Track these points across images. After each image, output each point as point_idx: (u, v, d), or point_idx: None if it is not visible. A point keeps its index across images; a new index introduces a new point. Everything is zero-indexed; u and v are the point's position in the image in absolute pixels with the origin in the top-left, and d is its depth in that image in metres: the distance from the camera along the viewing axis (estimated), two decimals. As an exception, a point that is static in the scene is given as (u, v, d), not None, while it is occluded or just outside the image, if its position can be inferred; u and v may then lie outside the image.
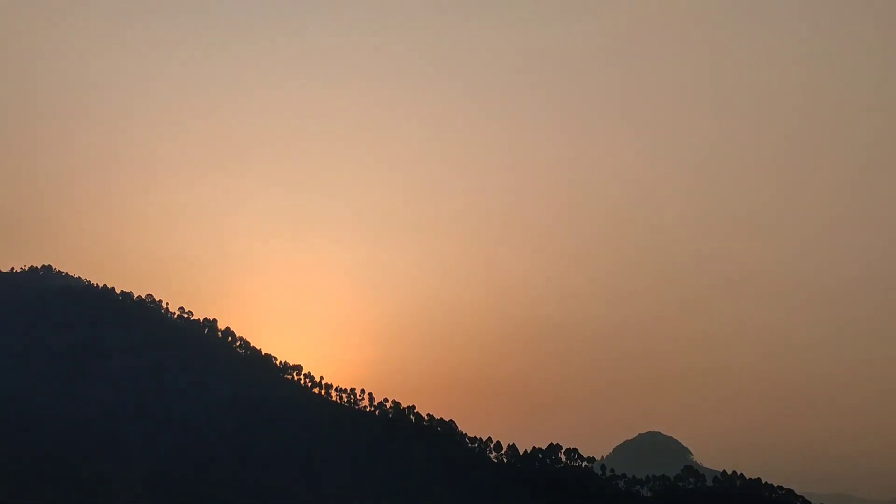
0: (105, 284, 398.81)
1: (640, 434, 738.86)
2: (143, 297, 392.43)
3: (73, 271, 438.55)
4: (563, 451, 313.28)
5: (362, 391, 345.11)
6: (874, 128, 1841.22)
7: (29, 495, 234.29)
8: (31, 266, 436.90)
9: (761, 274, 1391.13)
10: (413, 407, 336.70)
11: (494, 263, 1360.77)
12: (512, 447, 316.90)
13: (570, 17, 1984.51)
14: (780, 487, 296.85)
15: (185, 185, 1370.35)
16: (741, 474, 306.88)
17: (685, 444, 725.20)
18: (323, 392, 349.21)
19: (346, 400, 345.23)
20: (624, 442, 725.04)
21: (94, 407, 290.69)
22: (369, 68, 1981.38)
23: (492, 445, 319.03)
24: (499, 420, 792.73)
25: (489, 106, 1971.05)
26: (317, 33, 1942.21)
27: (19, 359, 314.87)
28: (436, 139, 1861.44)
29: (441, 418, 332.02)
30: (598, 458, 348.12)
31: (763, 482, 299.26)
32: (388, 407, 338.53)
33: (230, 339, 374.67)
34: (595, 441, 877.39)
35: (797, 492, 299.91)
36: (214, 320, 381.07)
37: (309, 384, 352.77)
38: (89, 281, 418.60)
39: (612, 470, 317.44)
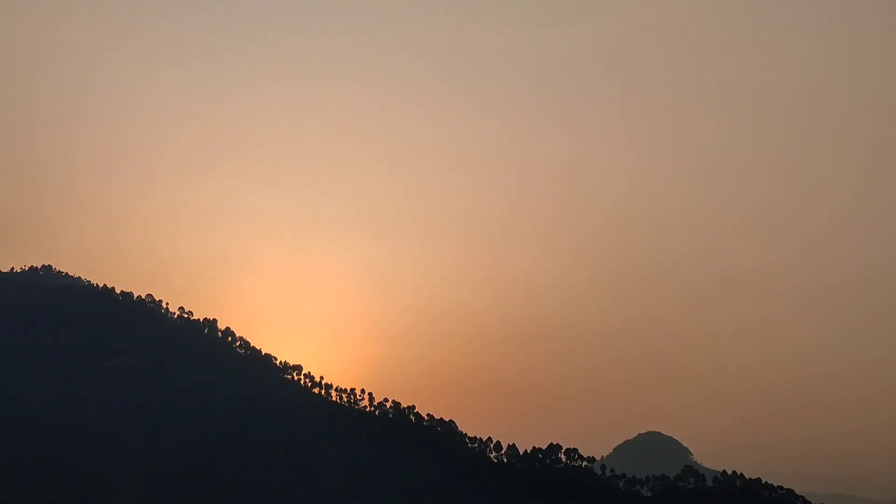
0: (105, 284, 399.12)
1: (640, 434, 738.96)
2: (143, 297, 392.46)
3: (73, 271, 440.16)
4: (563, 451, 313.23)
5: (362, 391, 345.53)
6: (874, 127, 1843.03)
7: (29, 495, 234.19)
8: (31, 266, 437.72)
9: (761, 274, 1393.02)
10: (413, 407, 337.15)
11: (494, 263, 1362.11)
12: (512, 447, 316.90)
13: (570, 18, 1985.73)
14: (780, 487, 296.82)
15: (186, 185, 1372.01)
16: (741, 474, 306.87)
17: (685, 444, 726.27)
18: (323, 392, 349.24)
19: (346, 400, 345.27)
20: (624, 442, 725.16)
21: (95, 407, 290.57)
22: (369, 69, 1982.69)
23: (492, 445, 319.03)
24: (499, 420, 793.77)
25: (489, 107, 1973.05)
26: (317, 34, 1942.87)
27: (19, 359, 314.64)
28: (436, 139, 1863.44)
29: (441, 418, 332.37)
30: (598, 458, 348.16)
31: (763, 482, 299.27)
32: (388, 407, 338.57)
33: (230, 339, 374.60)
34: (595, 441, 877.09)
35: (797, 492, 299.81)
36: (214, 320, 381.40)
37: (309, 384, 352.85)
38: (89, 281, 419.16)
39: (612, 470, 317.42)
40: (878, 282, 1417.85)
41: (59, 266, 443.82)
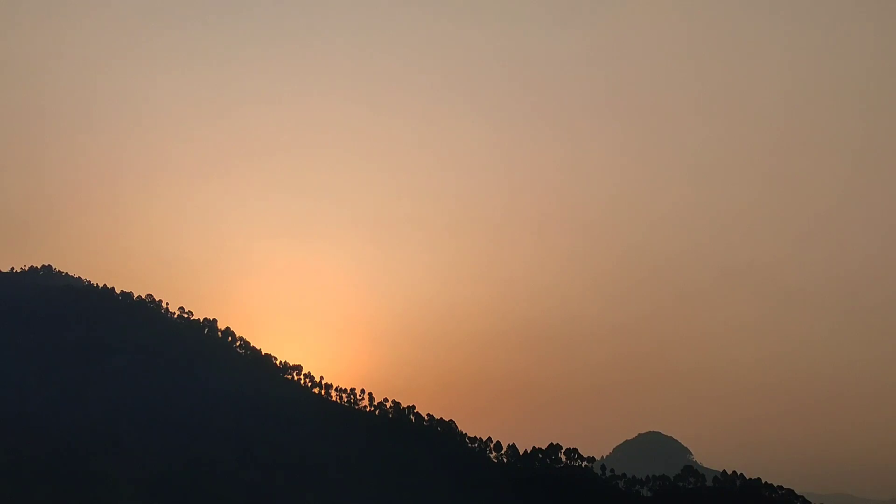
0: (105, 284, 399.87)
1: (640, 434, 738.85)
2: (143, 297, 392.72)
3: (73, 271, 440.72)
4: (563, 451, 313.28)
5: (362, 391, 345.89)
6: (871, 125, 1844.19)
7: (29, 495, 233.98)
8: (31, 266, 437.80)
9: (761, 274, 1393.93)
10: (413, 407, 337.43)
11: (493, 264, 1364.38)
12: (512, 447, 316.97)
13: (565, 19, 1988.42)
14: (780, 487, 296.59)
15: (186, 186, 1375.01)
16: (741, 474, 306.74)
17: (685, 444, 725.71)
18: (323, 392, 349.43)
19: (346, 400, 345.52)
20: (624, 442, 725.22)
21: (95, 406, 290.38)
22: (368, 73, 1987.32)
23: (492, 445, 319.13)
24: (499, 420, 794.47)
25: (488, 108, 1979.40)
26: (317, 40, 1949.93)
27: (19, 359, 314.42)
28: (435, 141, 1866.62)
29: (441, 418, 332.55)
30: (598, 458, 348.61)
31: (763, 482, 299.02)
32: (388, 407, 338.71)
33: (230, 339, 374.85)
34: (595, 441, 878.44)
35: (797, 492, 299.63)
36: (214, 320, 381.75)
37: (309, 384, 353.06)
38: (89, 281, 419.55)
39: (612, 470, 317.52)
40: (878, 281, 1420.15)
41: (59, 266, 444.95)
